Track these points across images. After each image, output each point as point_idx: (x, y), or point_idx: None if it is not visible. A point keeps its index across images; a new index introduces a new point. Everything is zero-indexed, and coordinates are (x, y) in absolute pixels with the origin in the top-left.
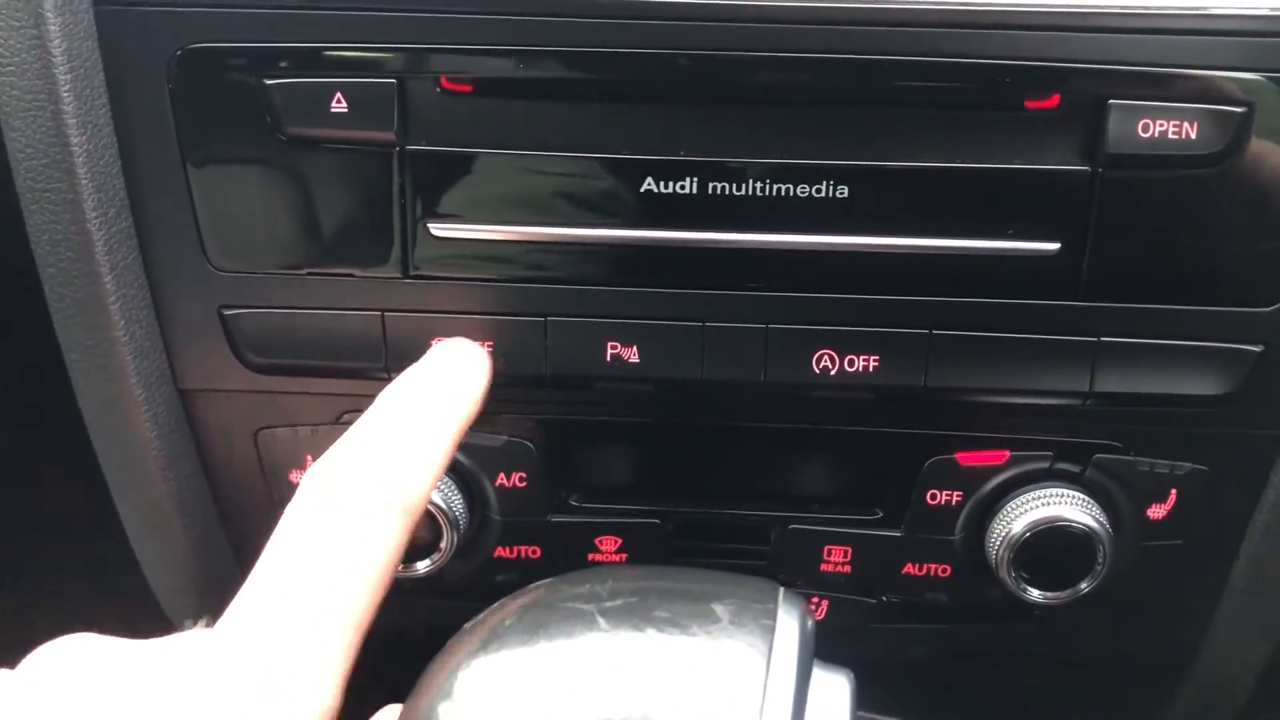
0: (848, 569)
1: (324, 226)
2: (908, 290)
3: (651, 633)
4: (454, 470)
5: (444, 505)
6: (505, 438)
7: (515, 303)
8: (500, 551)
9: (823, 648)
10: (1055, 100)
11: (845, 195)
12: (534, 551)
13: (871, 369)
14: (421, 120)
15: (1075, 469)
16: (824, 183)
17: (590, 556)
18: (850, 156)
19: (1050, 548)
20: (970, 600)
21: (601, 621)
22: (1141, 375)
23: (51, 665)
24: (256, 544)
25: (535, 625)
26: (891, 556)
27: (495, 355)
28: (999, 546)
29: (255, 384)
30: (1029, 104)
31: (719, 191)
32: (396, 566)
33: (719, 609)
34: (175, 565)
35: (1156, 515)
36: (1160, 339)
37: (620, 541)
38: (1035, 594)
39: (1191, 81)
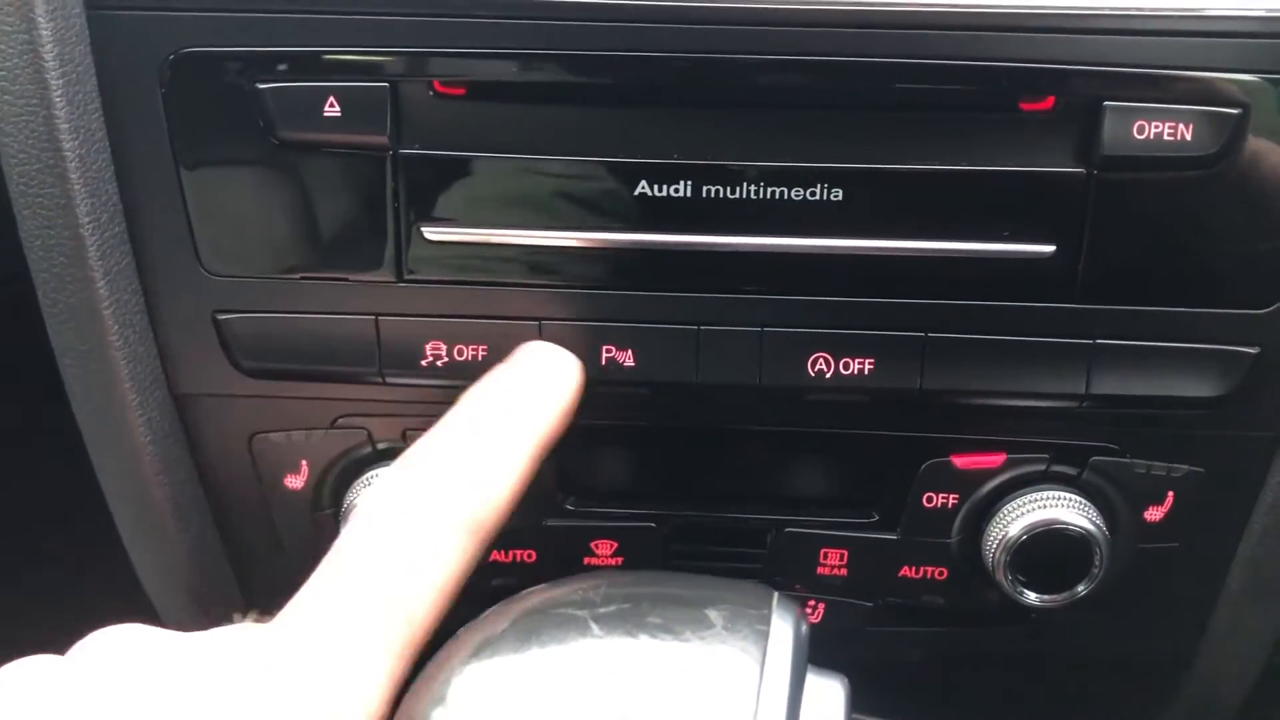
0: (844, 572)
1: (317, 230)
2: (903, 293)
3: (645, 639)
4: None
5: None
6: None
7: (509, 306)
8: (495, 555)
9: (820, 651)
10: (1050, 102)
11: (840, 198)
12: (529, 555)
13: (867, 372)
14: (415, 124)
15: (1072, 471)
16: (818, 185)
17: (586, 560)
18: (845, 159)
19: (1047, 550)
20: (967, 603)
21: (595, 628)
22: (1138, 377)
23: (102, 653)
24: (252, 547)
25: (529, 631)
26: (888, 559)
27: (489, 359)
28: (995, 549)
29: (249, 389)
30: (1024, 106)
31: (713, 195)
32: (462, 583)
33: (713, 614)
34: (170, 570)
35: (1153, 518)
36: (1156, 341)
37: (616, 545)
38: (1032, 597)
39: (1186, 83)
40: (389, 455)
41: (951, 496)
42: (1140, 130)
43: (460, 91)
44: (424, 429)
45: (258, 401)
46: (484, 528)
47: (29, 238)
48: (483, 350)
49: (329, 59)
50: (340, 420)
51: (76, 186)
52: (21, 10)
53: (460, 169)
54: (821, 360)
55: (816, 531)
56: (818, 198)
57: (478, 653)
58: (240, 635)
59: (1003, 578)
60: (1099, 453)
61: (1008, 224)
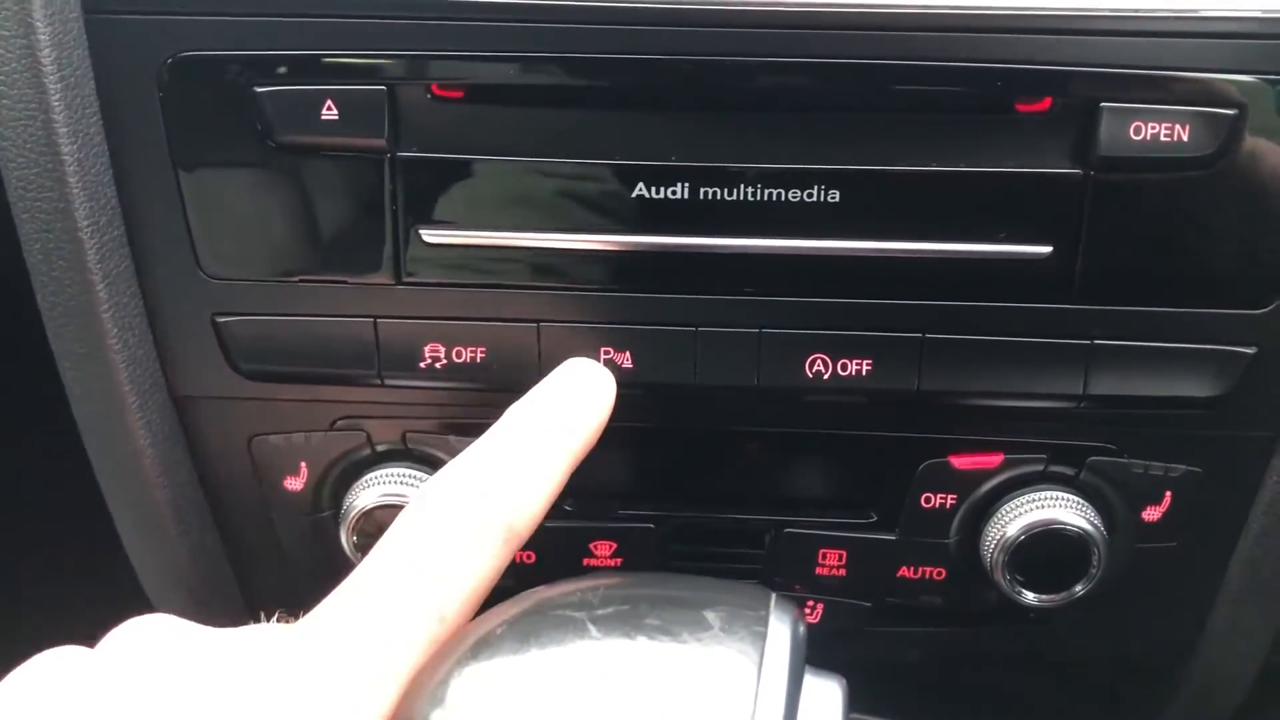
0: (843, 572)
1: (316, 233)
2: (901, 294)
3: (643, 640)
4: None
5: None
6: None
7: (508, 308)
8: None
9: (819, 651)
10: (1047, 103)
11: (837, 200)
12: (529, 557)
13: (865, 373)
14: (412, 127)
15: (1070, 472)
16: (815, 187)
17: (585, 561)
18: (842, 161)
19: (1045, 550)
20: (966, 603)
21: (593, 629)
22: (1135, 377)
23: (132, 644)
24: (252, 549)
25: (527, 633)
26: (886, 560)
27: (487, 361)
28: (994, 549)
29: (249, 391)
30: (1020, 107)
31: (711, 196)
32: (491, 587)
33: (710, 616)
34: (170, 571)
35: (1151, 517)
36: (1154, 341)
37: (615, 546)
38: (1030, 597)
39: (1183, 84)
40: (388, 457)
41: (950, 497)
42: (1137, 131)
43: (458, 94)
44: (423, 431)
45: (257, 404)
46: (518, 535)
47: (28, 241)
48: (481, 352)
49: (326, 62)
50: (339, 422)
51: (75, 190)
52: (19, 15)
53: (458, 171)
54: (819, 361)
55: (815, 532)
56: (815, 199)
57: (475, 653)
58: (265, 632)
59: (1001, 578)
60: (1097, 453)
61: (1005, 225)
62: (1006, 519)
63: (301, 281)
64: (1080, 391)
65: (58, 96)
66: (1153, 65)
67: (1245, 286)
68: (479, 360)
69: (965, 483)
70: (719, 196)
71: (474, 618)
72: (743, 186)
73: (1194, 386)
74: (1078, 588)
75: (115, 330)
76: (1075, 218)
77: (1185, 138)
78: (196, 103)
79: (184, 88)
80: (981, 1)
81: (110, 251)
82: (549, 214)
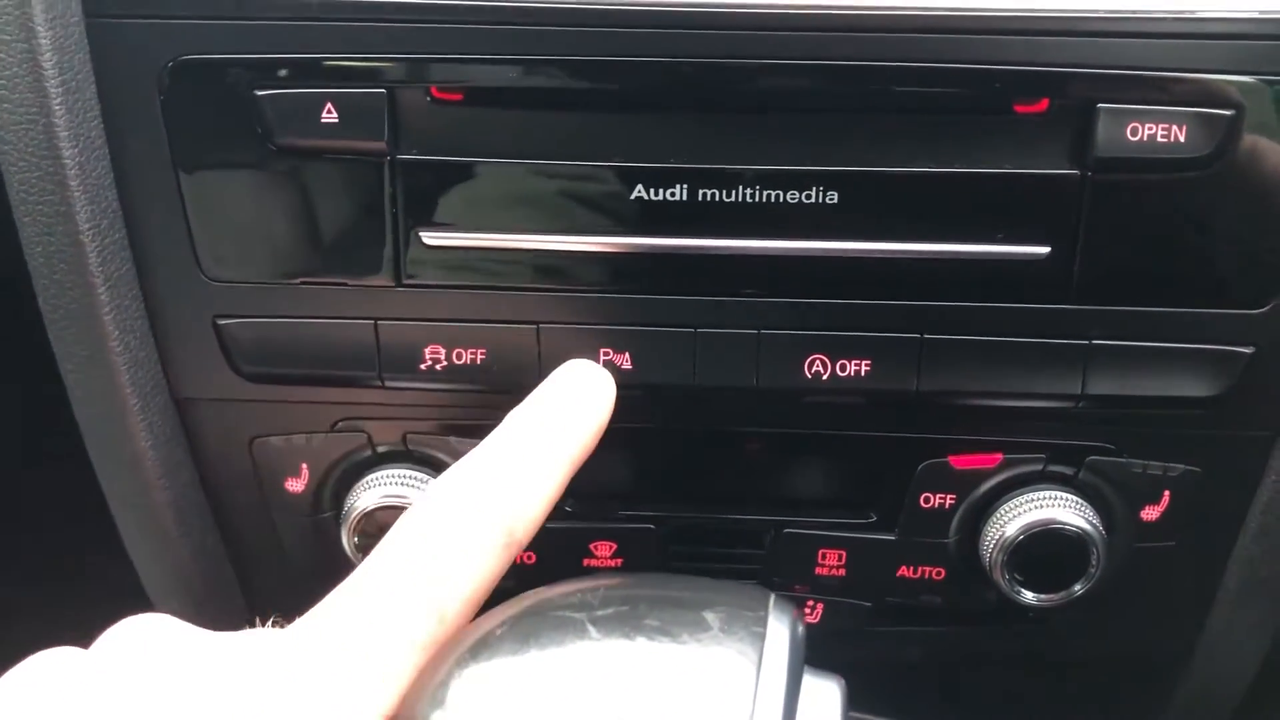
0: (842, 572)
1: (316, 236)
2: (899, 295)
3: (642, 641)
4: None
5: None
6: None
7: (507, 310)
8: None
9: (818, 651)
10: (1044, 104)
11: (835, 201)
12: (529, 557)
13: (864, 373)
14: (412, 129)
15: (1068, 471)
16: (814, 188)
17: (585, 562)
18: (840, 162)
19: (1044, 550)
20: (965, 602)
21: (592, 630)
22: (1133, 377)
23: (127, 645)
24: (253, 550)
25: (526, 634)
26: (886, 560)
27: (487, 362)
28: (993, 549)
29: (250, 393)
30: (1018, 108)
31: (709, 198)
32: (492, 589)
33: (710, 617)
34: (172, 573)
35: (1150, 517)
36: (1151, 341)
37: (615, 547)
38: (1029, 596)
39: (1180, 85)
40: (389, 458)
41: (949, 497)
42: (1134, 132)
43: (457, 97)
44: (424, 432)
45: (258, 405)
46: (517, 541)
47: (29, 245)
48: (481, 354)
49: (326, 65)
50: (340, 424)
51: (76, 194)
52: (20, 19)
53: (458, 174)
54: (818, 362)
55: (815, 532)
56: (813, 201)
57: (475, 654)
58: (260, 635)
59: (1000, 577)
60: (1095, 452)
61: (1003, 226)
62: (1005, 519)
63: (302, 284)
64: (1079, 391)
65: (59, 100)
66: (1150, 66)
67: (1243, 286)
68: (479, 362)
69: (964, 483)
70: (718, 198)
71: (474, 619)
72: (742, 188)
73: (1192, 386)
74: (1077, 587)
75: (117, 333)
76: (1073, 218)
77: (1182, 138)
78: (197, 106)
79: (185, 91)
80: (979, 3)
81: (112, 254)
82: (548, 216)
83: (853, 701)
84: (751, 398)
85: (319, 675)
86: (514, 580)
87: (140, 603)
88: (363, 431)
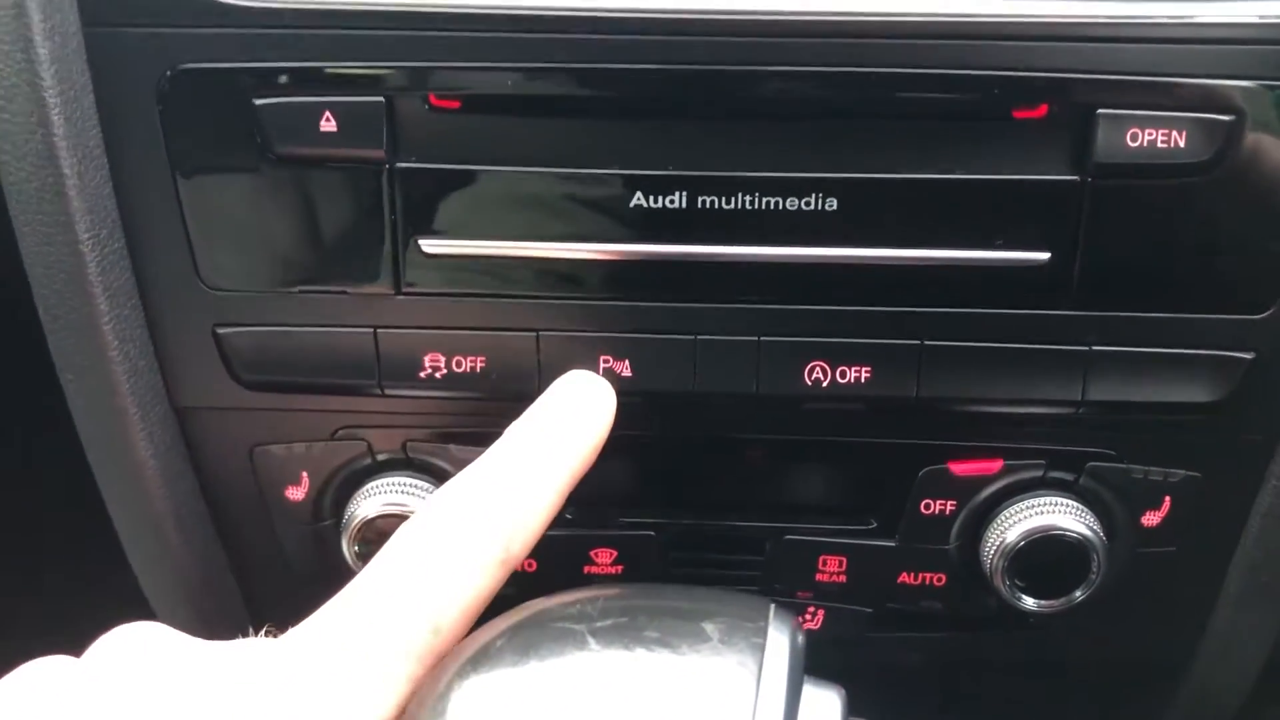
0: (843, 579)
1: (316, 244)
2: (899, 301)
3: (641, 652)
4: None
5: None
6: None
7: (507, 318)
8: None
9: (819, 657)
10: (1044, 110)
11: (834, 208)
12: (530, 565)
13: (864, 380)
14: (410, 138)
15: (1069, 477)
16: (813, 195)
17: (586, 569)
18: (839, 169)
19: (1045, 556)
20: (966, 608)
21: (592, 641)
22: (1133, 383)
23: (118, 654)
24: (254, 558)
25: (526, 645)
26: (887, 566)
27: (487, 370)
28: (994, 555)
29: (250, 401)
30: (1017, 114)
31: (708, 205)
32: (488, 602)
33: (709, 627)
34: (174, 581)
35: (1150, 522)
36: (1152, 347)
37: (616, 554)
38: (1030, 602)
39: (1180, 90)
40: (389, 466)
41: (949, 503)
42: (1134, 137)
43: (455, 105)
44: (424, 440)
45: (258, 414)
46: (515, 554)
47: (29, 255)
48: (481, 361)
49: (324, 74)
50: (340, 432)
51: (76, 204)
52: (18, 29)
53: (456, 182)
54: (818, 369)
55: (815, 539)
56: (812, 207)
57: (475, 666)
58: (254, 645)
59: (1001, 583)
60: (1096, 458)
61: (1002, 232)
62: (1006, 525)
63: (302, 292)
64: (1079, 397)
65: (57, 110)
66: (1149, 71)
67: (1243, 292)
68: (479, 369)
69: (965, 489)
70: (717, 205)
71: (473, 630)
72: (741, 195)
73: (1193, 392)
74: (1077, 593)
75: (116, 342)
76: (1072, 224)
77: (1182, 144)
78: (196, 115)
79: (183, 100)
80: (978, 9)
81: (111, 264)
82: (547, 223)
83: (853, 707)
84: (751, 404)
85: (312, 683)
86: (514, 587)
87: (142, 611)
88: (363, 440)
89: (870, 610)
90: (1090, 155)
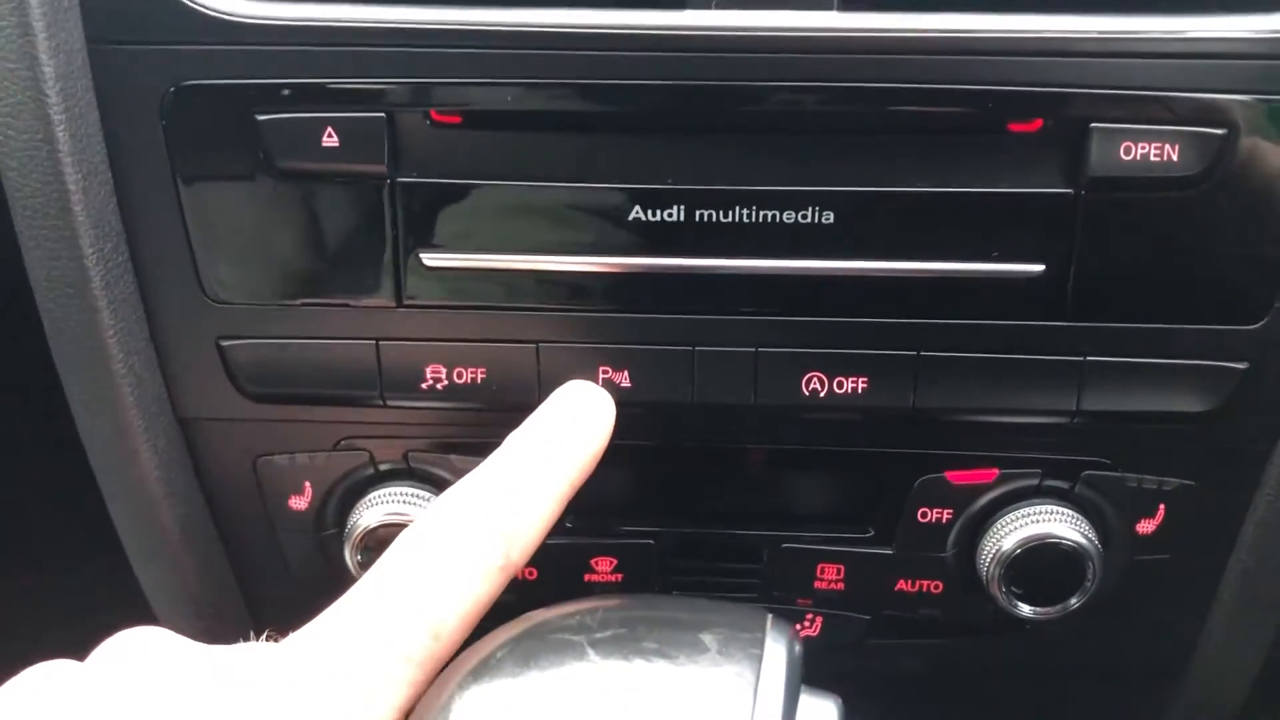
0: (841, 586)
1: (318, 258)
2: (895, 313)
3: (640, 663)
4: None
5: None
6: None
7: (507, 330)
8: None
9: (817, 664)
10: (1038, 124)
11: (831, 221)
12: (530, 573)
13: (860, 390)
14: (412, 152)
15: (1064, 486)
16: (810, 208)
17: (586, 577)
18: (835, 182)
19: (1041, 564)
20: (963, 616)
21: (591, 653)
22: (1128, 393)
23: (122, 659)
24: (257, 567)
25: (526, 656)
26: (884, 574)
27: (487, 381)
28: (990, 563)
29: (253, 412)
30: (1012, 128)
31: (706, 218)
32: (484, 612)
33: (707, 638)
34: (178, 590)
35: (1145, 530)
36: (1146, 358)
37: (615, 562)
38: (1026, 610)
39: (1173, 104)
40: (391, 476)
41: (946, 511)
42: (1127, 151)
43: (456, 120)
44: (425, 450)
45: (261, 425)
46: (514, 561)
47: (34, 268)
48: (481, 373)
49: (326, 90)
50: (342, 442)
51: (80, 219)
52: (24, 46)
53: (457, 196)
54: (815, 379)
55: (812, 547)
56: (809, 220)
57: (476, 677)
58: (254, 650)
59: (997, 591)
60: (1091, 467)
61: (997, 244)
62: (1002, 533)
63: (304, 305)
64: (1074, 407)
65: (62, 127)
66: (1142, 86)
67: (1236, 302)
68: (479, 381)
69: (961, 497)
70: (715, 218)
71: (473, 640)
72: (738, 208)
73: (1187, 401)
74: (1073, 600)
75: (121, 354)
76: (1067, 236)
77: (1175, 157)
78: (199, 130)
79: (186, 116)
80: (973, 25)
81: (115, 278)
82: (547, 237)
83: (851, 715)
84: (749, 415)
85: (312, 685)
86: (514, 594)
87: (146, 619)
88: (365, 450)
89: (868, 617)
90: (1084, 168)
